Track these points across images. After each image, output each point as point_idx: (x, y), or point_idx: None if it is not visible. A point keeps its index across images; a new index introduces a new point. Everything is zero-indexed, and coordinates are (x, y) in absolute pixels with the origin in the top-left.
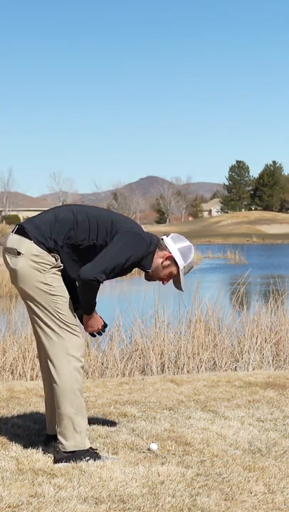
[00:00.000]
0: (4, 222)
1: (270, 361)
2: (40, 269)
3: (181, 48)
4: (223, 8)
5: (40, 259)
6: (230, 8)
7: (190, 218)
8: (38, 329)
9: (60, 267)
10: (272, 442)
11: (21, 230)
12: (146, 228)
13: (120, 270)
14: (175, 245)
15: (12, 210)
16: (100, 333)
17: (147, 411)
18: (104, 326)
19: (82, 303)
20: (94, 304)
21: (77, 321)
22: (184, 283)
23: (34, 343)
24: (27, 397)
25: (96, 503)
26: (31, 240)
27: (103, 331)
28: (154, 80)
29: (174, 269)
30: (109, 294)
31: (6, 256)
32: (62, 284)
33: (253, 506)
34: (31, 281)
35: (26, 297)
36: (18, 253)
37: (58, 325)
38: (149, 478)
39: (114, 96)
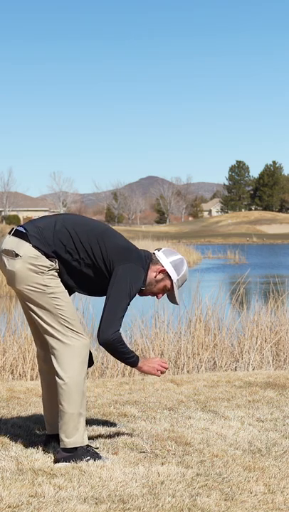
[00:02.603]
0: (4, 222)
1: (270, 361)
2: (38, 271)
3: (180, 48)
4: (223, 8)
5: (38, 262)
6: (231, 8)
7: (190, 218)
8: (42, 330)
9: (58, 269)
10: (272, 442)
11: (19, 233)
12: (146, 228)
13: (129, 304)
14: (167, 259)
15: (12, 210)
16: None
17: (147, 411)
18: (164, 362)
19: (122, 362)
20: (131, 355)
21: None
22: (178, 296)
23: (34, 343)
24: (27, 397)
25: (96, 503)
26: (30, 243)
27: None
28: (154, 79)
29: (167, 283)
30: None
31: (4, 258)
32: (61, 284)
33: (253, 506)
34: (29, 283)
35: (26, 299)
36: (16, 255)
37: (62, 324)
38: (149, 478)
39: (114, 96)
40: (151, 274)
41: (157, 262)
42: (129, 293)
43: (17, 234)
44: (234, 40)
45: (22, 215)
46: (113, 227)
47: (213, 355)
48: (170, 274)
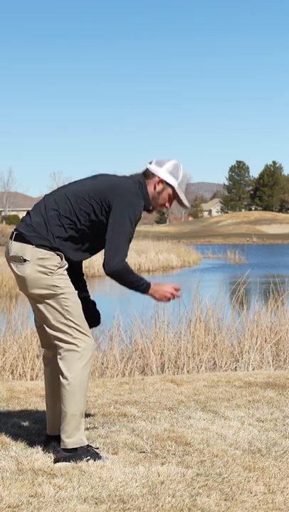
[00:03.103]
0: (4, 222)
1: (270, 361)
2: (48, 271)
3: (180, 48)
4: (223, 8)
5: (46, 262)
6: (231, 8)
7: (190, 218)
8: (49, 330)
9: (66, 265)
10: (272, 442)
11: (19, 237)
12: (146, 228)
13: (132, 234)
14: (161, 168)
15: (12, 210)
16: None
17: (147, 411)
18: (176, 289)
19: (131, 289)
20: (141, 282)
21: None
22: (185, 199)
23: (34, 343)
24: (27, 397)
25: (96, 503)
26: (32, 244)
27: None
28: (154, 80)
29: (169, 191)
30: (110, 294)
31: (12, 264)
32: (71, 284)
33: (253, 506)
34: (40, 286)
35: (36, 301)
36: (24, 260)
37: (70, 326)
38: (149, 478)
39: (114, 96)
40: (151, 189)
41: (153, 175)
42: (129, 221)
43: (17, 238)
44: (234, 40)
45: (22, 215)
46: None
47: (213, 355)
48: (169, 182)
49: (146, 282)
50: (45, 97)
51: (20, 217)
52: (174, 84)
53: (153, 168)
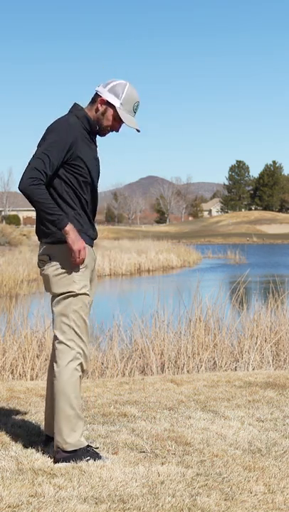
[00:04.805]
0: (4, 222)
1: (270, 361)
2: (67, 270)
3: (180, 48)
4: (223, 8)
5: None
6: (231, 8)
7: (190, 218)
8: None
9: (86, 265)
10: (272, 442)
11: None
12: (146, 228)
13: (58, 158)
14: (105, 88)
15: (12, 210)
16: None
17: (147, 411)
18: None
19: (47, 216)
20: (54, 211)
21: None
22: (132, 121)
23: (34, 343)
24: (27, 397)
25: (96, 503)
26: (54, 243)
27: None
28: (154, 80)
29: (112, 111)
30: (110, 294)
31: (40, 264)
32: (88, 283)
33: (253, 506)
34: (62, 284)
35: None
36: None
37: (71, 327)
38: (149, 478)
39: None
40: (92, 112)
41: (98, 96)
42: (50, 143)
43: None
44: (234, 40)
45: (22, 215)
46: (113, 227)
47: (213, 355)
48: (111, 101)
49: (63, 218)
50: (45, 96)
51: (21, 217)
52: (174, 85)
53: (98, 89)
